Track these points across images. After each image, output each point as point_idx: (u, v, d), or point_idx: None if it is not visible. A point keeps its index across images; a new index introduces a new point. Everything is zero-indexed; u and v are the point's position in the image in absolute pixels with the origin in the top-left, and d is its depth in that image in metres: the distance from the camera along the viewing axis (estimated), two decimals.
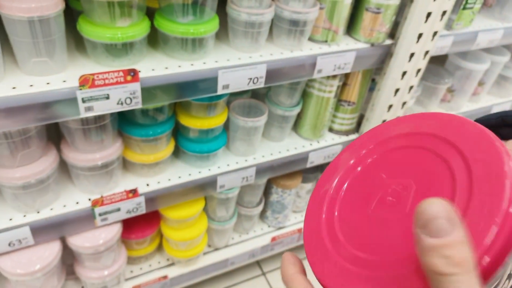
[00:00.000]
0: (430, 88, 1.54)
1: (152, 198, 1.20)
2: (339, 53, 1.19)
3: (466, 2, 1.29)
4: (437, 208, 0.25)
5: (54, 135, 1.14)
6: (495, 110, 1.82)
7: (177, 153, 1.30)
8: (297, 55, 1.14)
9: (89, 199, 1.13)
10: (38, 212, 1.08)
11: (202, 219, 1.45)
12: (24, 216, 1.07)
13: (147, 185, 1.20)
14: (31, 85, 0.87)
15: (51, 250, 1.15)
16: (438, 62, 1.62)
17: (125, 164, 1.22)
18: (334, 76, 1.30)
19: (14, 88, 0.85)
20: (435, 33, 1.25)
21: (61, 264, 1.21)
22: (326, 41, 1.20)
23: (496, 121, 0.42)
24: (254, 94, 1.44)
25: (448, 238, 0.24)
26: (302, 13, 1.09)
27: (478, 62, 1.60)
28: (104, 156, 1.08)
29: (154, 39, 1.05)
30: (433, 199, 0.25)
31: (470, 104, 1.78)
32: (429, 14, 1.18)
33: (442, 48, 1.34)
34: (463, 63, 1.59)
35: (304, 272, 0.37)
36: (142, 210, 1.21)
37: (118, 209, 1.17)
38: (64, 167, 1.14)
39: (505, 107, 1.84)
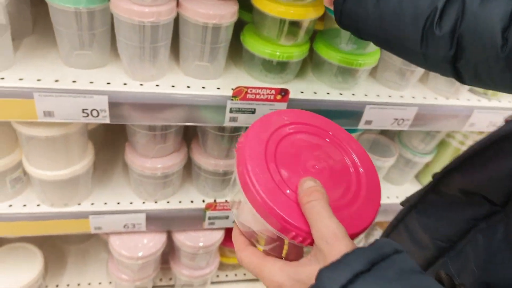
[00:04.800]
0: None
1: None
2: (498, 110, 1.06)
3: None
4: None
5: (186, 133, 1.17)
6: None
7: None
8: (453, 103, 1.04)
9: (203, 201, 1.14)
10: (155, 202, 1.12)
11: None
12: (143, 203, 1.11)
13: None
14: (188, 86, 0.88)
15: (157, 241, 1.18)
16: None
17: None
18: (481, 132, 1.17)
19: (173, 86, 0.87)
20: None
21: (161, 256, 1.24)
22: (486, 94, 1.08)
23: None
24: (383, 130, 1.35)
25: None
26: None
27: None
28: (229, 164, 1.08)
29: (305, 60, 1.02)
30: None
31: None
32: None
33: None
34: None
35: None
36: None
37: (227, 217, 1.16)
38: (185, 165, 1.16)
39: None
